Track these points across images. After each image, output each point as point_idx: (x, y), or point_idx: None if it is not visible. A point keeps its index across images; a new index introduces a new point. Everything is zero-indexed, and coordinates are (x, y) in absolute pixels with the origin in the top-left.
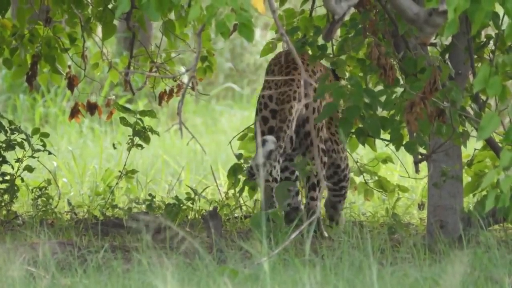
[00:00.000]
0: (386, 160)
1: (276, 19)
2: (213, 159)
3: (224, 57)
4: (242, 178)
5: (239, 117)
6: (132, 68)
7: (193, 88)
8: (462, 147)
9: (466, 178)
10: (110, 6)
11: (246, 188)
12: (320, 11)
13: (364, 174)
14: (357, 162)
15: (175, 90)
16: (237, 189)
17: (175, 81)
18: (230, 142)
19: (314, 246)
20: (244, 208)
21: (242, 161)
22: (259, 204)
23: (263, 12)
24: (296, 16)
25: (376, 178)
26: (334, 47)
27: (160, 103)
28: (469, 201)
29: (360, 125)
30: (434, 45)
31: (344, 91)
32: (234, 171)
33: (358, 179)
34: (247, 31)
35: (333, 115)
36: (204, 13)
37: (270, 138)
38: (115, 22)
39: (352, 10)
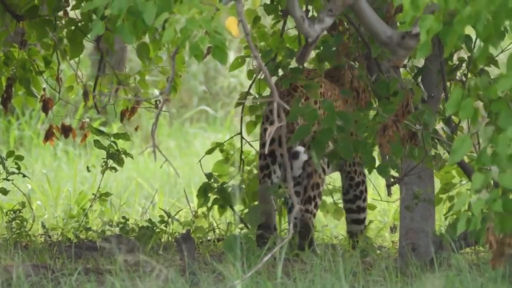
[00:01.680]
0: None
1: (250, 42)
2: (187, 182)
3: (198, 80)
4: (212, 197)
5: (213, 140)
6: (100, 89)
7: (157, 107)
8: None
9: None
10: (79, 25)
11: (216, 207)
12: (292, 32)
13: (334, 194)
14: (329, 184)
15: (135, 106)
16: (206, 208)
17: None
18: (199, 161)
19: (287, 269)
20: (217, 231)
21: (212, 180)
22: (232, 227)
23: (237, 36)
24: (268, 38)
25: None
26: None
27: (121, 120)
28: (441, 224)
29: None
30: (405, 66)
31: (317, 114)
32: (204, 190)
33: (329, 200)
34: (220, 53)
35: None
36: (178, 36)
37: (301, 149)
38: (90, 44)
39: (325, 32)
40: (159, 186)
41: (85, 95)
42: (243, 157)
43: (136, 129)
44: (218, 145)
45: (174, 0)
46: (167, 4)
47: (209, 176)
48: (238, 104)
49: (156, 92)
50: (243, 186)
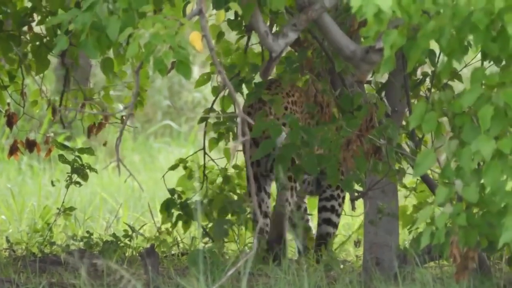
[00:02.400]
0: None
1: (214, 57)
2: (151, 196)
3: (162, 94)
4: (175, 212)
5: (177, 154)
6: (66, 104)
7: (122, 121)
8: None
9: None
10: (45, 40)
11: (180, 222)
12: (257, 48)
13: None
14: None
15: (103, 121)
16: (171, 224)
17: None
18: (163, 176)
19: (251, 283)
20: (181, 245)
21: (176, 196)
22: (196, 241)
23: (200, 51)
24: (232, 53)
25: (311, 214)
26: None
27: (89, 136)
28: (404, 238)
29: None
30: (370, 82)
31: (280, 128)
32: (167, 206)
33: None
34: (184, 68)
35: None
36: (142, 51)
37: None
38: (54, 59)
39: (289, 47)
40: (124, 200)
41: (53, 111)
42: (206, 172)
43: (104, 144)
44: (181, 161)
45: (138, 15)
46: (131, 19)
47: (172, 192)
48: (201, 120)
49: (121, 106)
50: (206, 201)
